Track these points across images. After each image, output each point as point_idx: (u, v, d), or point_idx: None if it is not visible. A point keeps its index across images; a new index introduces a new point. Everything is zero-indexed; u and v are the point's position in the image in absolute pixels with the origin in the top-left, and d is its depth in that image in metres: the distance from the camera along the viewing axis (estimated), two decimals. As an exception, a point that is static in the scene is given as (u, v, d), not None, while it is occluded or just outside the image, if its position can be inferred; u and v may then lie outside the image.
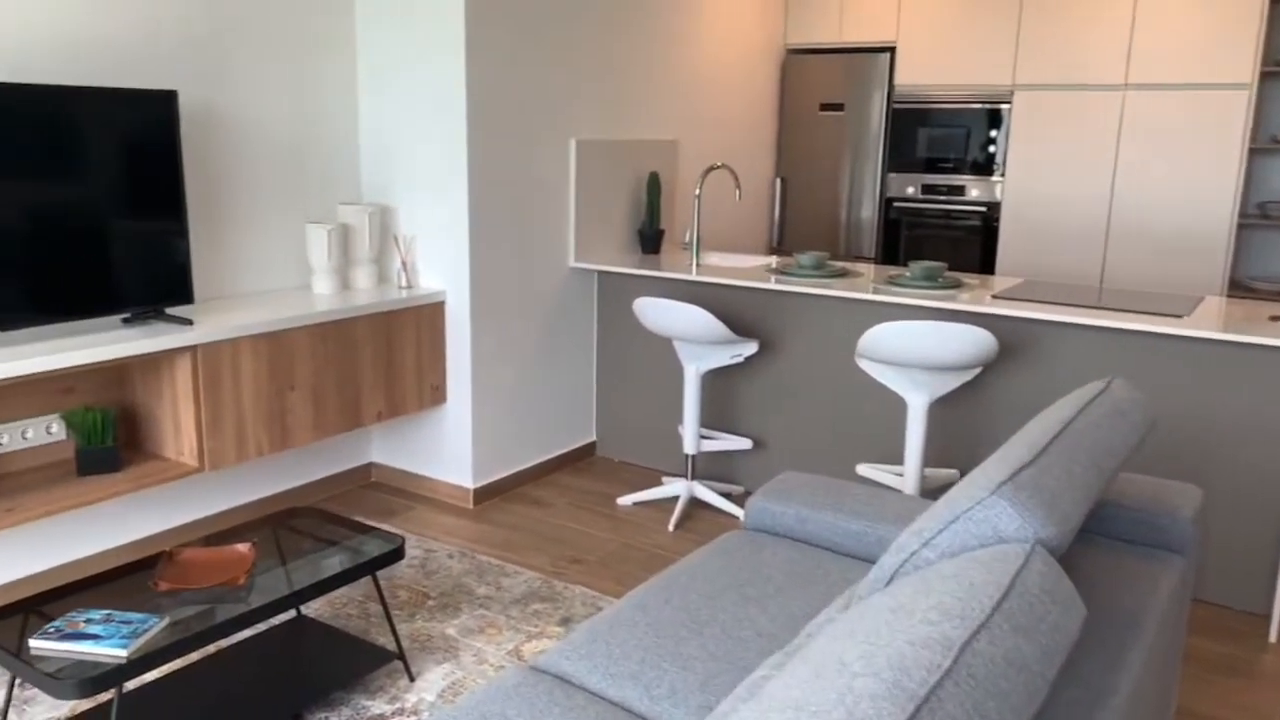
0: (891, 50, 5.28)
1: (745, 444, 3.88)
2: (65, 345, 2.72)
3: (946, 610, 1.12)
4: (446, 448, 3.88)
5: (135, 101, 2.88)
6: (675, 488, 3.83)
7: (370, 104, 3.79)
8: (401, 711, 2.48)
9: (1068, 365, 3.27)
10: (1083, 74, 4.76)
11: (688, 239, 4.78)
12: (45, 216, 2.72)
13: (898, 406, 3.63)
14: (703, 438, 3.93)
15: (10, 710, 2.45)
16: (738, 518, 3.75)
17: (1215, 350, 3.03)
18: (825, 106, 5.48)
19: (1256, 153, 4.78)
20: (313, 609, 2.98)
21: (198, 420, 3.00)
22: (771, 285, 3.67)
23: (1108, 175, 4.78)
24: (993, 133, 5.06)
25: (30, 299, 2.72)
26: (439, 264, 3.74)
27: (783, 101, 5.61)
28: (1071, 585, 1.26)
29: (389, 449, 4.05)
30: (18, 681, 2.55)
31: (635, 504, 3.90)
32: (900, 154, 5.35)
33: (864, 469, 3.55)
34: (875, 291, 3.48)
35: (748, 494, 4.01)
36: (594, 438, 4.43)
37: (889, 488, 3.49)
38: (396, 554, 2.51)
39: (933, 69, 5.16)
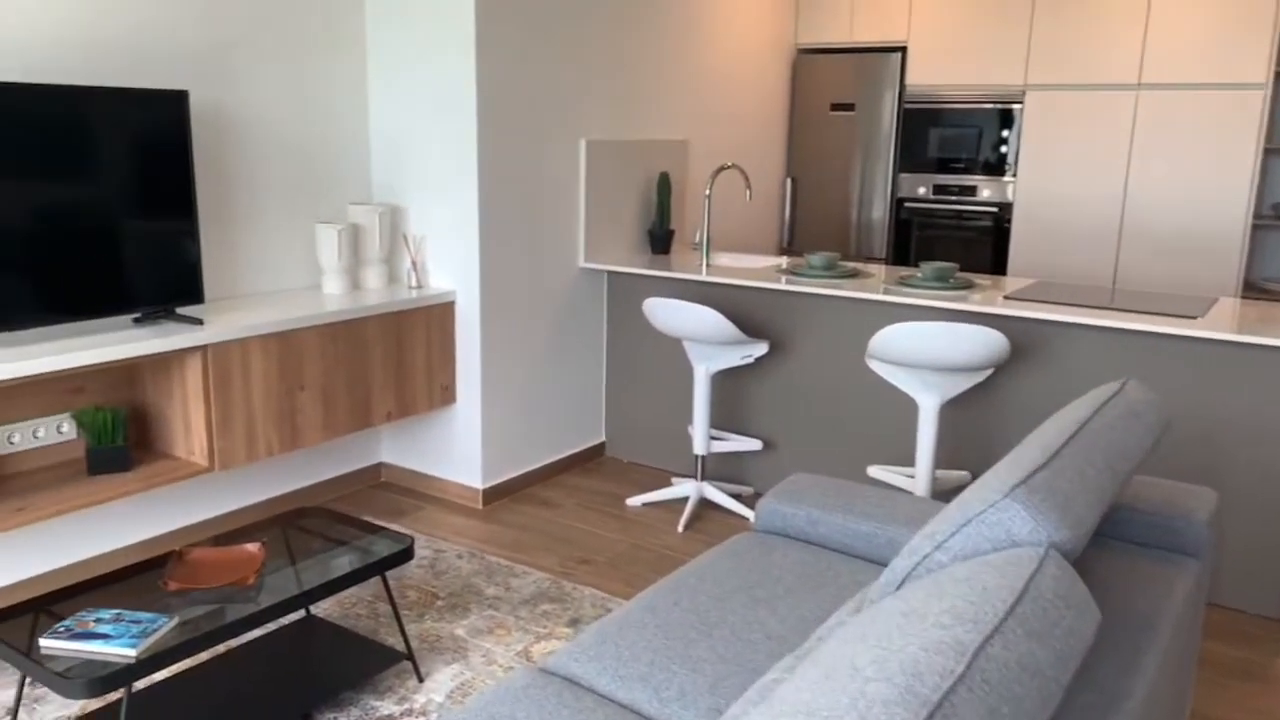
0: (903, 50, 5.26)
1: (755, 445, 3.86)
2: (76, 345, 2.73)
3: (959, 614, 1.11)
4: (456, 448, 3.88)
5: (146, 101, 2.88)
6: (685, 488, 3.82)
7: (380, 104, 3.80)
8: (410, 712, 2.47)
9: (1080, 367, 3.25)
10: (1096, 74, 4.73)
11: (698, 239, 4.77)
12: (56, 216, 2.73)
13: (909, 408, 3.61)
14: (712, 438, 3.91)
15: (20, 709, 2.46)
16: (747, 519, 3.74)
17: (1229, 352, 3.01)
18: (836, 106, 5.46)
19: (1271, 153, 4.74)
20: (322, 609, 2.98)
21: (208, 420, 3.00)
22: (782, 286, 3.65)
23: (1120, 176, 4.75)
24: (1004, 133, 5.04)
25: (41, 299, 2.73)
26: (449, 264, 3.74)
27: (793, 101, 5.59)
28: (1086, 589, 1.25)
29: (399, 449, 4.05)
30: (28, 680, 2.56)
31: (644, 505, 3.89)
32: (911, 154, 5.33)
33: (875, 470, 3.54)
34: (886, 292, 3.46)
35: (758, 495, 4.00)
36: (603, 438, 4.42)
37: (900, 489, 3.47)
38: (406, 554, 2.51)
39: (944, 69, 5.14)
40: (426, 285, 3.80)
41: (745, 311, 3.89)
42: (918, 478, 3.29)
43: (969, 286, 3.57)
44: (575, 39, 3.90)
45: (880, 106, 5.35)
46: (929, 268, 3.56)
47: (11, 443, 2.92)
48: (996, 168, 5.09)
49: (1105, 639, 1.57)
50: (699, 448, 3.72)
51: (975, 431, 3.49)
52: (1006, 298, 3.36)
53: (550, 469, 4.15)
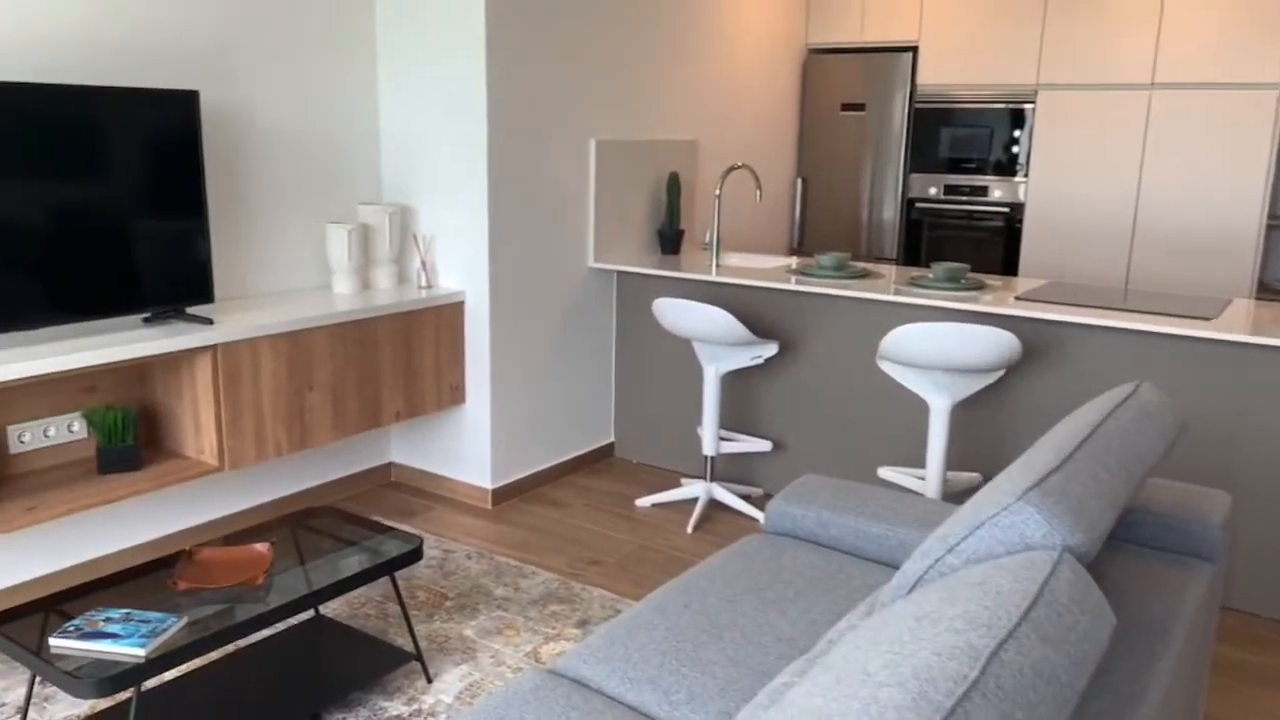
0: (914, 50, 5.24)
1: (765, 446, 3.85)
2: (87, 344, 2.74)
3: (973, 619, 1.10)
4: (465, 448, 3.87)
5: (157, 101, 2.89)
6: (694, 489, 3.81)
7: (390, 104, 3.80)
8: (419, 713, 2.47)
9: (1092, 368, 3.23)
10: (1108, 73, 4.71)
11: (708, 239, 4.76)
12: (67, 216, 2.73)
13: (919, 409, 3.59)
14: (722, 439, 3.90)
15: (30, 708, 2.46)
16: (757, 520, 3.73)
17: (1244, 353, 2.98)
18: (847, 106, 5.44)
19: (1286, 153, 4.71)
20: (331, 609, 2.98)
21: (218, 419, 3.00)
22: (792, 286, 3.64)
23: (1133, 176, 4.72)
24: (1016, 133, 5.01)
25: (53, 298, 2.73)
26: (458, 264, 3.74)
27: (804, 101, 5.58)
28: (1101, 594, 1.24)
29: (408, 449, 4.05)
30: (38, 679, 2.56)
31: (654, 505, 3.88)
32: (922, 154, 5.31)
33: (885, 472, 3.52)
34: (897, 293, 3.45)
35: (767, 496, 3.99)
36: (612, 439, 4.41)
37: (911, 491, 3.46)
38: (415, 554, 2.50)
39: (955, 69, 5.12)
40: (436, 285, 3.80)
41: (755, 312, 3.88)
42: (928, 479, 3.27)
43: (980, 287, 3.55)
44: (585, 40, 3.89)
45: (891, 106, 5.33)
46: (940, 268, 3.55)
47: (22, 442, 2.93)
48: (1008, 168, 5.07)
49: (1118, 643, 1.56)
50: (708, 448, 3.71)
51: (986, 433, 3.47)
52: (1018, 298, 3.34)
53: (559, 469, 4.14)
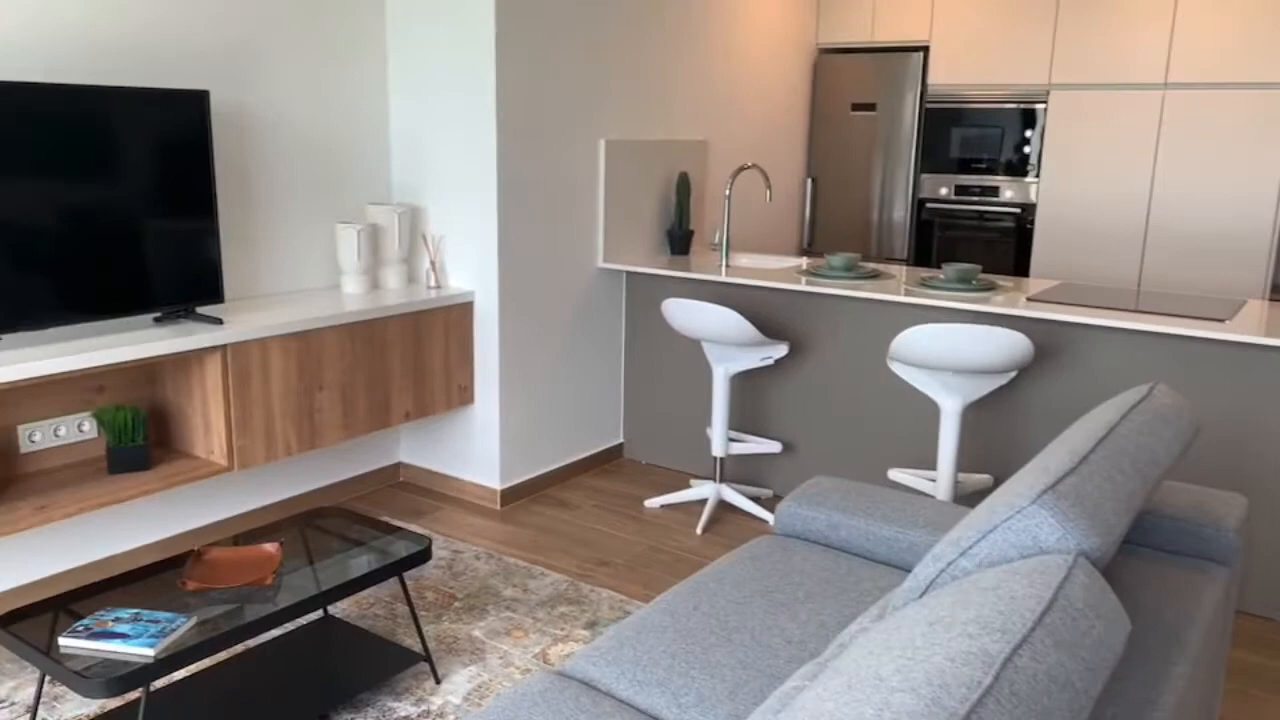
0: (925, 50, 5.22)
1: (775, 447, 3.84)
2: (97, 344, 2.74)
3: (986, 624, 1.09)
4: (474, 448, 3.87)
5: (168, 101, 2.89)
6: (703, 490, 3.80)
7: (400, 104, 3.80)
8: (427, 714, 2.46)
9: (1105, 370, 3.21)
10: (1121, 73, 4.68)
11: (717, 239, 4.75)
12: (78, 216, 2.74)
13: (930, 410, 3.57)
14: (731, 440, 3.89)
15: (40, 706, 2.47)
16: (766, 521, 3.71)
17: (1258, 355, 2.96)
18: (857, 106, 5.42)
19: (1300, 153, 4.67)
20: (339, 609, 2.98)
21: (227, 419, 3.01)
22: (802, 287, 3.63)
23: (1146, 176, 4.69)
24: (1027, 133, 4.99)
25: (63, 298, 2.74)
26: (468, 264, 3.74)
27: (814, 101, 5.56)
28: (1116, 599, 1.22)
29: (417, 449, 4.05)
30: (48, 678, 2.57)
31: (663, 507, 3.87)
32: (933, 154, 5.28)
33: (896, 474, 3.50)
34: (908, 294, 3.43)
35: (777, 498, 3.97)
36: (621, 439, 4.41)
37: (921, 493, 3.44)
38: (424, 555, 2.50)
39: (967, 68, 5.09)
40: (445, 285, 3.80)
41: (765, 313, 3.87)
42: (939, 481, 3.25)
43: (992, 288, 3.53)
44: (595, 39, 3.88)
45: (902, 106, 5.31)
46: (951, 269, 3.53)
47: (33, 441, 2.93)
48: (1019, 168, 5.05)
49: (1132, 648, 1.54)
50: (718, 450, 3.70)
51: (998, 435, 3.45)
52: (1030, 299, 3.32)
53: (568, 470, 4.14)
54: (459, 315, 3.71)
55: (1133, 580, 1.78)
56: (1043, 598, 1.14)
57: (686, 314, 3.46)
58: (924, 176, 5.33)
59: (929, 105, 5.24)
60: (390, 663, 2.54)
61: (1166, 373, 3.11)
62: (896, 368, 3.25)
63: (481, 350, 3.78)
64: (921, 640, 1.09)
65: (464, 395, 3.79)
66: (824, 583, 2.14)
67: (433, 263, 3.74)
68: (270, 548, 2.44)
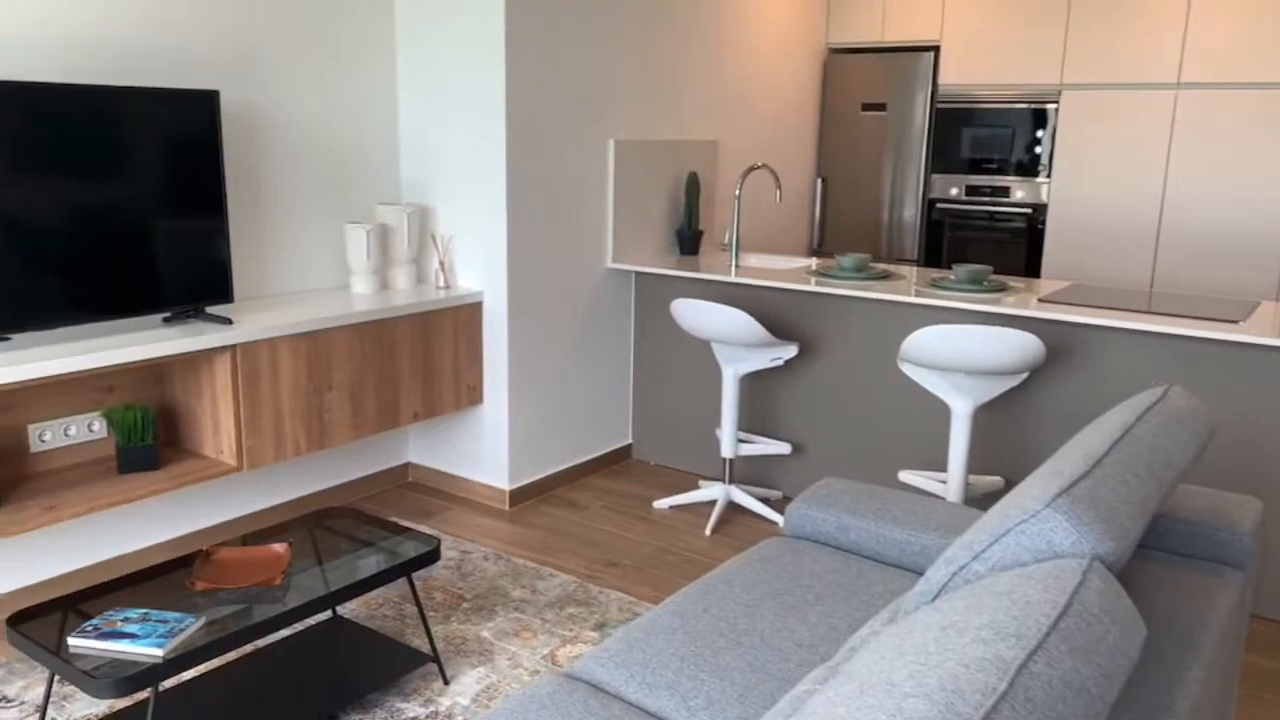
0: (935, 49, 5.20)
1: (784, 448, 3.82)
2: (107, 344, 2.74)
3: (1000, 629, 1.07)
4: (483, 449, 3.87)
5: (178, 101, 2.89)
6: (712, 492, 3.78)
7: (409, 103, 3.79)
8: (435, 715, 2.46)
9: (1117, 371, 3.18)
10: (1134, 73, 4.65)
11: (727, 240, 4.73)
12: (88, 216, 2.74)
13: (941, 412, 3.56)
14: (741, 441, 3.88)
15: (49, 706, 2.47)
16: (776, 523, 3.70)
17: (1273, 357, 2.93)
18: (867, 106, 5.41)
19: (1314, 153, 4.64)
20: (348, 609, 2.98)
21: (236, 419, 3.01)
22: (812, 287, 3.61)
23: (1159, 177, 4.66)
24: (1039, 133, 4.96)
25: (73, 298, 2.74)
26: (477, 264, 3.73)
27: (824, 101, 5.54)
28: (1131, 604, 1.21)
29: (426, 449, 4.05)
30: (57, 678, 2.57)
31: (671, 508, 3.86)
32: (943, 155, 5.26)
33: (906, 475, 3.49)
34: (918, 294, 3.41)
35: (786, 499, 3.96)
36: (630, 440, 4.40)
37: (932, 495, 3.42)
38: (432, 556, 2.49)
39: (978, 68, 5.07)
40: (454, 285, 3.80)
41: (775, 313, 3.85)
42: (950, 483, 3.24)
43: (1003, 289, 3.51)
44: (605, 39, 3.87)
45: (912, 106, 5.29)
46: (962, 270, 3.51)
47: (43, 441, 2.94)
48: (1030, 168, 5.02)
49: (1147, 653, 1.53)
50: (727, 451, 3.68)
51: (1009, 436, 3.43)
52: (1041, 300, 3.30)
53: (576, 470, 4.13)
54: (468, 315, 3.71)
55: (1147, 584, 1.76)
56: (1057, 603, 1.13)
57: (696, 314, 3.45)
58: (934, 177, 5.31)
59: (940, 105, 5.22)
60: (398, 663, 2.53)
61: (1179, 374, 3.09)
62: (907, 369, 3.23)
63: (490, 350, 3.77)
64: (934, 645, 1.08)
65: (473, 395, 3.79)
66: (834, 585, 2.13)
67: (442, 263, 3.74)
68: (279, 548, 2.44)
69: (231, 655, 2.60)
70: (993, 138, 5.10)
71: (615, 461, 4.33)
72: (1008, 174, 5.09)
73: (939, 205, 5.32)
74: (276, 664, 2.51)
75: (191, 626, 2.05)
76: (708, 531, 3.62)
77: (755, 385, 4.00)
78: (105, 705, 2.49)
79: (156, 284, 2.92)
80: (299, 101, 3.47)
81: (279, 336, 3.07)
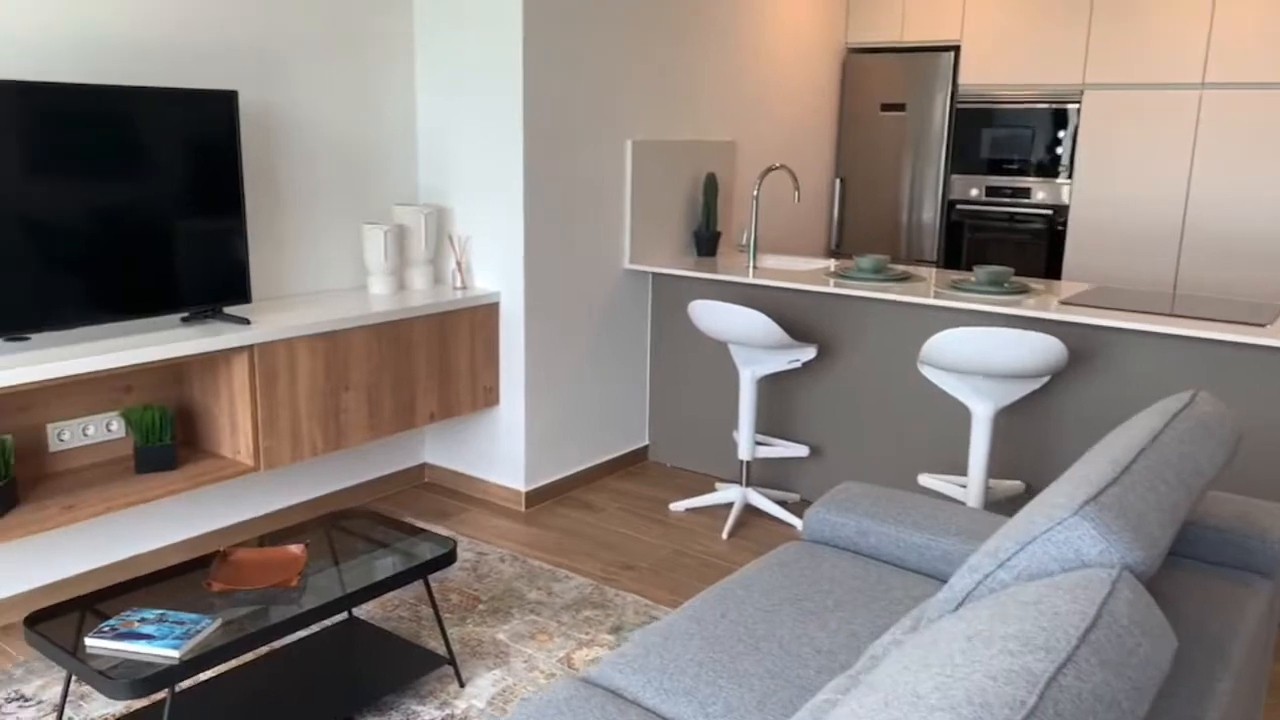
0: (956, 49, 5.16)
1: (802, 451, 3.80)
2: (125, 344, 2.75)
3: (1028, 641, 1.05)
4: (499, 450, 3.86)
5: (196, 101, 2.90)
6: (729, 494, 3.76)
7: (427, 104, 3.79)
8: (451, 718, 2.45)
9: (1140, 375, 3.14)
10: (1157, 72, 4.60)
11: (745, 241, 4.71)
12: (107, 216, 2.74)
13: (961, 415, 3.52)
14: (758, 444, 3.85)
15: (66, 705, 2.47)
16: (793, 526, 3.67)
17: (1301, 361, 2.89)
18: (886, 106, 5.37)
19: (1342, 154, 4.57)
20: (364, 610, 2.97)
21: (254, 419, 3.01)
22: (830, 289, 3.58)
23: (1183, 177, 4.61)
24: (1060, 133, 4.92)
25: (92, 297, 2.75)
26: (494, 265, 3.72)
27: (843, 101, 5.51)
28: (1162, 615, 1.18)
29: (442, 450, 4.04)
30: (74, 678, 2.57)
31: (688, 510, 3.84)
32: (963, 155, 5.22)
33: (925, 479, 3.45)
34: (938, 296, 3.38)
35: (804, 502, 3.93)
36: (646, 442, 4.38)
37: (951, 499, 3.39)
38: (449, 558, 2.48)
39: (998, 68, 5.03)
40: (471, 286, 3.79)
41: (793, 315, 3.83)
42: (970, 487, 3.20)
43: (1024, 291, 3.48)
44: (622, 39, 3.86)
45: (932, 106, 5.25)
46: (983, 271, 3.47)
47: (62, 440, 2.95)
48: (1051, 169, 4.97)
49: (1176, 663, 1.50)
50: (744, 453, 3.66)
51: (1030, 440, 3.39)
52: (1063, 303, 3.26)
53: (593, 472, 4.11)
54: (484, 316, 3.70)
55: (1174, 593, 1.73)
56: (1086, 614, 1.10)
57: (713, 316, 3.43)
58: (954, 177, 5.26)
59: (959, 105, 5.18)
60: (414, 665, 2.52)
61: (1204, 379, 3.04)
62: (927, 371, 3.20)
63: (507, 351, 3.77)
64: (960, 657, 1.06)
65: (489, 396, 3.78)
66: (854, 591, 2.11)
67: (459, 263, 3.74)
68: (295, 549, 2.44)
69: (247, 656, 2.60)
70: (1013, 138, 5.05)
71: (631, 463, 4.31)
72: (1028, 175, 5.05)
73: (958, 206, 5.27)
74: (292, 665, 2.51)
75: (208, 628, 2.05)
76: (724, 534, 3.60)
77: (773, 387, 3.97)
78: (122, 705, 2.49)
79: (175, 284, 2.93)
80: (318, 102, 3.47)
81: (296, 337, 3.07)
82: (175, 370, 3.16)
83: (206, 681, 2.44)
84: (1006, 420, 3.44)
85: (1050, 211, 5.00)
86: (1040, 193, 5.02)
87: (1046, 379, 3.09)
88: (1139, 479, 1.42)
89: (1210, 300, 3.43)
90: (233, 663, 2.58)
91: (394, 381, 3.41)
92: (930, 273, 3.91)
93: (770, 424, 4.00)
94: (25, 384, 2.50)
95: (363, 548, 2.50)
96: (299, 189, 3.47)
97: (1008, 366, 2.96)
